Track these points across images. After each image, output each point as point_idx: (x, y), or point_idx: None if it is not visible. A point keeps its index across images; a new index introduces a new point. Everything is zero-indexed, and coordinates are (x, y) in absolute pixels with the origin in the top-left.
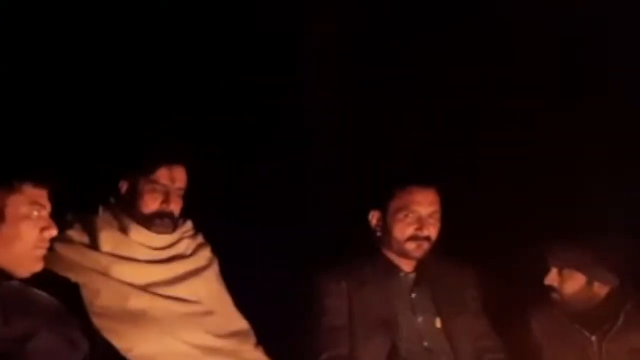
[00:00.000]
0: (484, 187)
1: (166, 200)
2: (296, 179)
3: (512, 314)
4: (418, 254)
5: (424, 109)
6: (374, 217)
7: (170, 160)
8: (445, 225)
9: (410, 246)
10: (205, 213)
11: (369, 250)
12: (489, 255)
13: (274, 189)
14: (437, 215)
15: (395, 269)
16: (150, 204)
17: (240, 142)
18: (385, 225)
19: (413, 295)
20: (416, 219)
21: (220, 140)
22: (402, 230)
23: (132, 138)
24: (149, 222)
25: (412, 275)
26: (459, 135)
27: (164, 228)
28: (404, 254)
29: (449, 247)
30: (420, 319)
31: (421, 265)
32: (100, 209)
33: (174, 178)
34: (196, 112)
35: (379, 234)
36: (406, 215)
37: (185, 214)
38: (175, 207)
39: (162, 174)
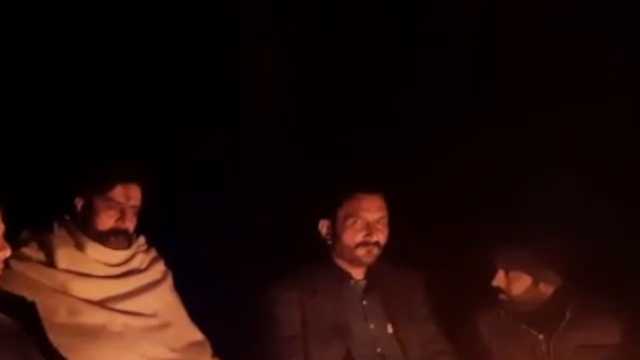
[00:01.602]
0: (430, 192)
1: (121, 217)
2: (245, 191)
3: (460, 316)
4: (368, 259)
5: (366, 116)
6: (323, 226)
7: (125, 178)
8: (393, 230)
9: (361, 252)
10: (155, 227)
11: (320, 259)
12: (436, 259)
13: (224, 202)
14: (385, 221)
15: (346, 276)
16: (106, 221)
17: (188, 156)
18: (335, 233)
19: (364, 302)
20: (365, 225)
21: (168, 155)
22: (352, 236)
23: (88, 155)
24: (104, 239)
25: (363, 283)
26: (403, 141)
27: (119, 245)
28: (355, 261)
29: (397, 252)
30: (372, 326)
31: (371, 272)
32: (56, 226)
33: (129, 196)
34: (139, 127)
35: (329, 242)
36: (355, 222)
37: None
38: (130, 224)
39: (118, 192)
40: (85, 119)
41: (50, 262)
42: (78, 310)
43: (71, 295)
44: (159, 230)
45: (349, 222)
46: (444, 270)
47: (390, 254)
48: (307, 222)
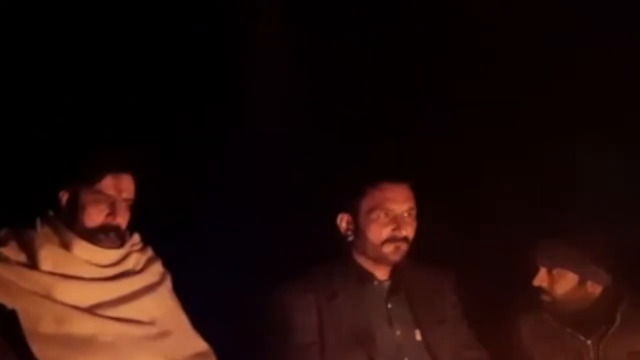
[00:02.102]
0: (464, 183)
1: (112, 212)
2: (254, 182)
3: (498, 320)
4: (396, 257)
5: (393, 96)
6: (343, 220)
7: (116, 168)
8: (422, 224)
9: (388, 249)
10: (150, 223)
11: (338, 257)
12: (470, 256)
13: (227, 192)
14: (414, 213)
15: (368, 276)
16: (95, 217)
17: (188, 143)
18: (357, 228)
19: (389, 305)
20: (392, 219)
21: (167, 144)
22: (377, 232)
23: (74, 143)
24: (93, 237)
25: (387, 283)
26: (435, 126)
27: (110, 243)
28: (381, 259)
29: (426, 249)
30: (398, 332)
31: (396, 272)
32: (39, 223)
33: (120, 188)
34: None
35: (350, 238)
36: (379, 216)
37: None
38: (122, 220)
39: (108, 184)
40: (76, 104)
41: (33, 264)
42: (64, 318)
43: (56, 301)
44: (156, 226)
45: (374, 215)
46: (480, 269)
47: (419, 250)
48: (324, 216)
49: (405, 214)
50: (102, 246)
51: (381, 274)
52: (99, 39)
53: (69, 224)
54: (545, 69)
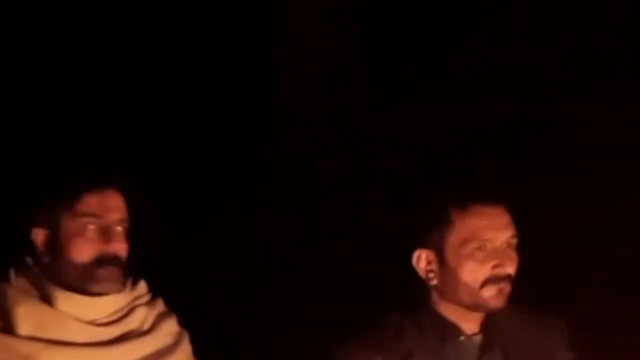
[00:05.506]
0: (580, 203)
1: (106, 238)
2: (304, 207)
3: None
4: (499, 302)
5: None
6: (421, 258)
7: (96, 183)
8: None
9: (488, 292)
10: (162, 267)
11: (412, 306)
12: (588, 301)
13: (270, 223)
14: (515, 243)
15: (452, 330)
16: (85, 248)
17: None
18: (444, 267)
19: None
20: (490, 253)
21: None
22: (474, 271)
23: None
24: (89, 277)
25: (478, 338)
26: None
27: (112, 283)
28: (479, 307)
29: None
30: None
31: (489, 323)
32: (12, 274)
33: (107, 207)
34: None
35: (433, 282)
36: (474, 250)
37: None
38: (120, 247)
39: (90, 203)
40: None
41: (8, 327)
42: None
43: None
44: (168, 271)
45: (467, 249)
46: (601, 318)
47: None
48: (394, 252)
49: (505, 245)
50: (102, 289)
51: (470, 326)
52: None
53: (52, 270)
54: None
